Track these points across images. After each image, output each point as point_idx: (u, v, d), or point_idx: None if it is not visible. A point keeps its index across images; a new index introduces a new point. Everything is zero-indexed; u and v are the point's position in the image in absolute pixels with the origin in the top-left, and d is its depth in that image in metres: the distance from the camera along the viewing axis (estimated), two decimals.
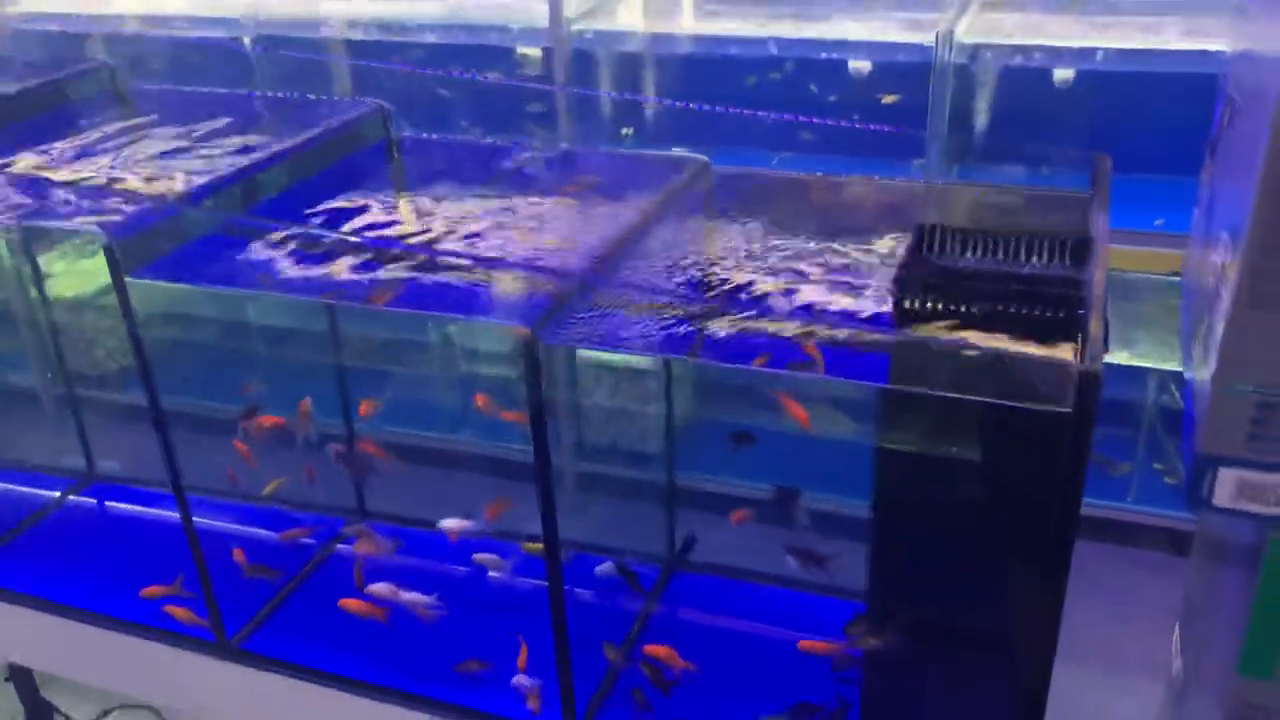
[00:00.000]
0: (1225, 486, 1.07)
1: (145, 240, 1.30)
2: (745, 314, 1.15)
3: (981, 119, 3.10)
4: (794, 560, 1.37)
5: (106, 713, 2.28)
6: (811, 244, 1.32)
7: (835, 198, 1.45)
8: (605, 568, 1.49)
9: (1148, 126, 2.40)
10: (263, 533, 1.70)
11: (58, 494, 1.88)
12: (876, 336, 1.08)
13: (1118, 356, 2.87)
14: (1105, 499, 2.98)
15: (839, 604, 1.44)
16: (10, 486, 1.89)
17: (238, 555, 1.53)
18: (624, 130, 3.02)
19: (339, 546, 1.69)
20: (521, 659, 1.42)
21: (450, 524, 1.49)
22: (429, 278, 1.25)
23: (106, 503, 1.88)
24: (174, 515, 1.44)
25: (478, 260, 1.21)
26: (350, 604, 1.50)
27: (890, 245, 1.27)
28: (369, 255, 1.29)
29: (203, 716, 2.09)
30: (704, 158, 1.46)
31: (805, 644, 1.35)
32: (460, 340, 3.24)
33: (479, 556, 1.50)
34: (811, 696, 1.35)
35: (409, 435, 2.93)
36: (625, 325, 1.17)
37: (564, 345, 1.10)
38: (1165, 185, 1.89)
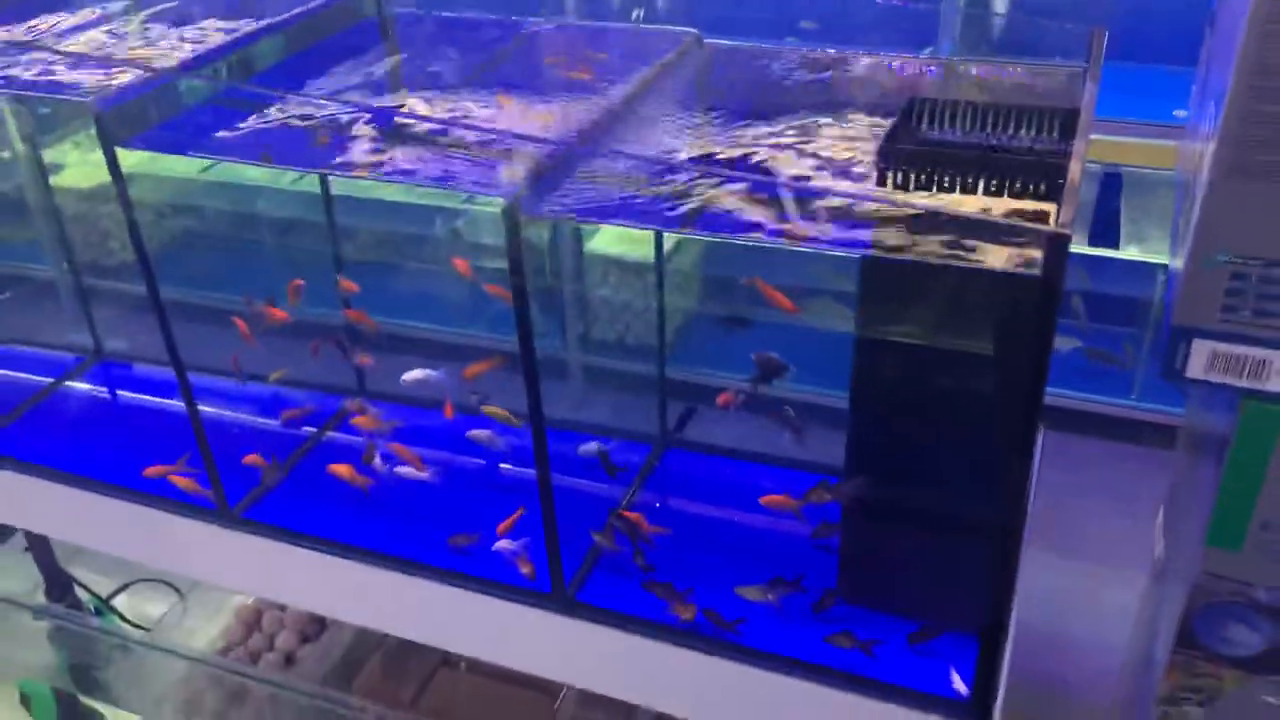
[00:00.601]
0: (1198, 358, 1.08)
1: (136, 110, 1.31)
2: (736, 187, 1.15)
3: (999, 5, 3.03)
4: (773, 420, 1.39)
5: (125, 586, 2.36)
6: (809, 120, 1.31)
7: (836, 72, 1.43)
8: (588, 447, 1.52)
9: (1177, 15, 2.34)
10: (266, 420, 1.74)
11: (67, 371, 1.92)
12: (851, 205, 1.08)
13: (1128, 252, 2.85)
14: (1112, 395, 2.99)
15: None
16: (18, 374, 1.93)
17: (253, 459, 1.57)
18: (633, 14, 2.98)
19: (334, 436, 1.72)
20: (506, 525, 1.46)
21: (412, 375, 1.53)
22: (415, 152, 1.25)
23: (115, 380, 1.93)
24: (178, 398, 1.48)
25: (452, 125, 1.21)
26: (338, 469, 1.54)
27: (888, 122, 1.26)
28: (356, 132, 1.30)
29: (208, 582, 2.18)
30: (695, 30, 1.44)
31: (766, 499, 1.38)
32: (468, 234, 3.26)
33: (472, 433, 1.53)
34: (793, 567, 1.38)
35: (417, 327, 2.98)
36: (611, 199, 1.17)
37: (544, 217, 1.10)
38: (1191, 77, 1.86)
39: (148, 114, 1.33)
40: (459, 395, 1.55)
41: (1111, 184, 3.02)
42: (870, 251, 1.02)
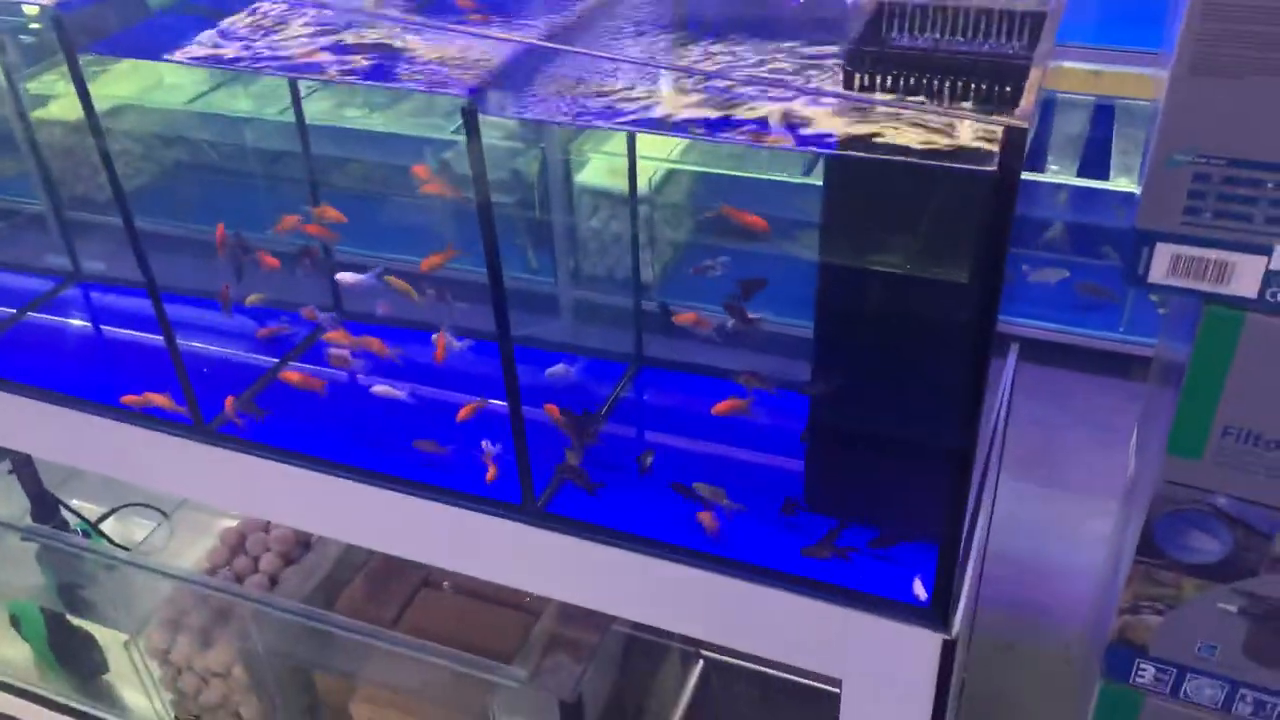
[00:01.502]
0: (1160, 262, 1.08)
1: (98, 17, 1.29)
2: (707, 93, 1.14)
3: None
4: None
5: (112, 511, 2.38)
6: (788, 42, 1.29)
7: None
8: (556, 369, 1.52)
9: None
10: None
11: (45, 293, 1.92)
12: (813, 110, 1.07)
13: (1118, 183, 2.83)
14: (1098, 329, 2.99)
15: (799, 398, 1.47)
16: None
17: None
18: None
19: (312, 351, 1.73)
20: (466, 412, 1.47)
21: (345, 277, 1.54)
22: (382, 58, 1.24)
23: (93, 302, 1.93)
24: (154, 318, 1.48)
25: (426, 26, 1.20)
26: (289, 375, 1.56)
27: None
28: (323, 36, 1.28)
29: (187, 497, 2.20)
30: None
31: (716, 408, 1.39)
32: (456, 164, 3.24)
33: (436, 337, 1.53)
34: (762, 477, 1.40)
35: (402, 259, 2.97)
36: (575, 103, 1.16)
37: (504, 117, 1.09)
38: None
39: (110, 21, 1.31)
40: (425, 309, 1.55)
41: (1103, 116, 3.00)
42: (832, 151, 1.01)
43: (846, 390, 1.27)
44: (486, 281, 1.26)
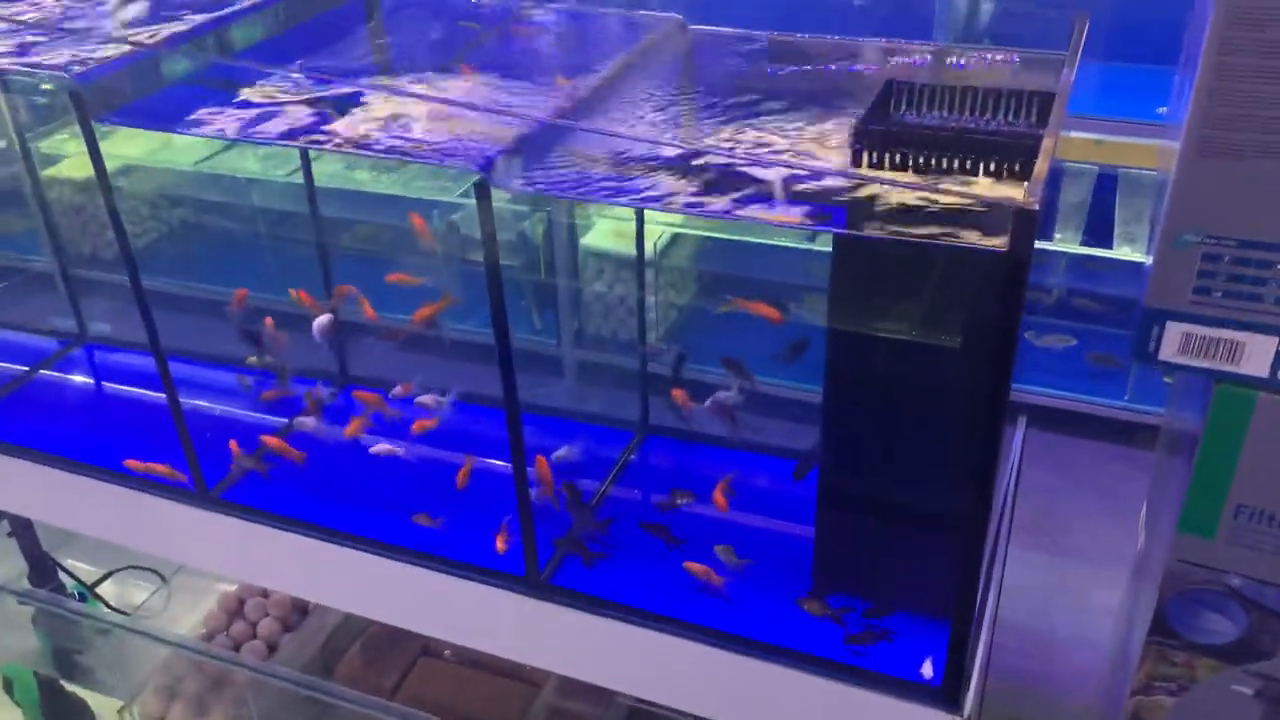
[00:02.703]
0: (1171, 341, 1.07)
1: (114, 86, 1.31)
2: (717, 169, 1.14)
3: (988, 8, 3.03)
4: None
5: (110, 574, 2.36)
6: (793, 110, 1.30)
7: (825, 59, 1.42)
8: (561, 452, 1.51)
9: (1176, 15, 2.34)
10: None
11: (50, 355, 1.92)
12: (824, 186, 1.07)
13: (1121, 252, 2.84)
14: (1103, 397, 2.99)
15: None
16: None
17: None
18: None
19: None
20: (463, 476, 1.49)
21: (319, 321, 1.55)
22: (396, 133, 1.25)
23: (99, 364, 1.93)
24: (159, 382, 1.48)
25: (441, 100, 1.21)
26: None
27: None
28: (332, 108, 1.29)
29: (187, 563, 2.18)
30: (678, 15, 1.44)
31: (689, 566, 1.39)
32: (465, 227, 3.26)
33: (420, 399, 1.53)
34: (765, 550, 1.39)
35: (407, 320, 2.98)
36: (586, 178, 1.17)
37: (515, 190, 1.10)
38: None
39: (126, 90, 1.33)
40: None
41: (1106, 185, 3.02)
42: (841, 230, 1.01)
43: (856, 463, 1.26)
44: (490, 343, 1.26)
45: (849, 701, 1.23)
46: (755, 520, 1.48)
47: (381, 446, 1.55)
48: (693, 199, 1.07)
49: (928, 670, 1.22)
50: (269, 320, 1.64)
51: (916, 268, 1.10)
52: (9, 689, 2.24)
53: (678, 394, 1.44)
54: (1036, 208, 0.90)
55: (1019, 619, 2.51)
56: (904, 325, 1.14)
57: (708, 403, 1.41)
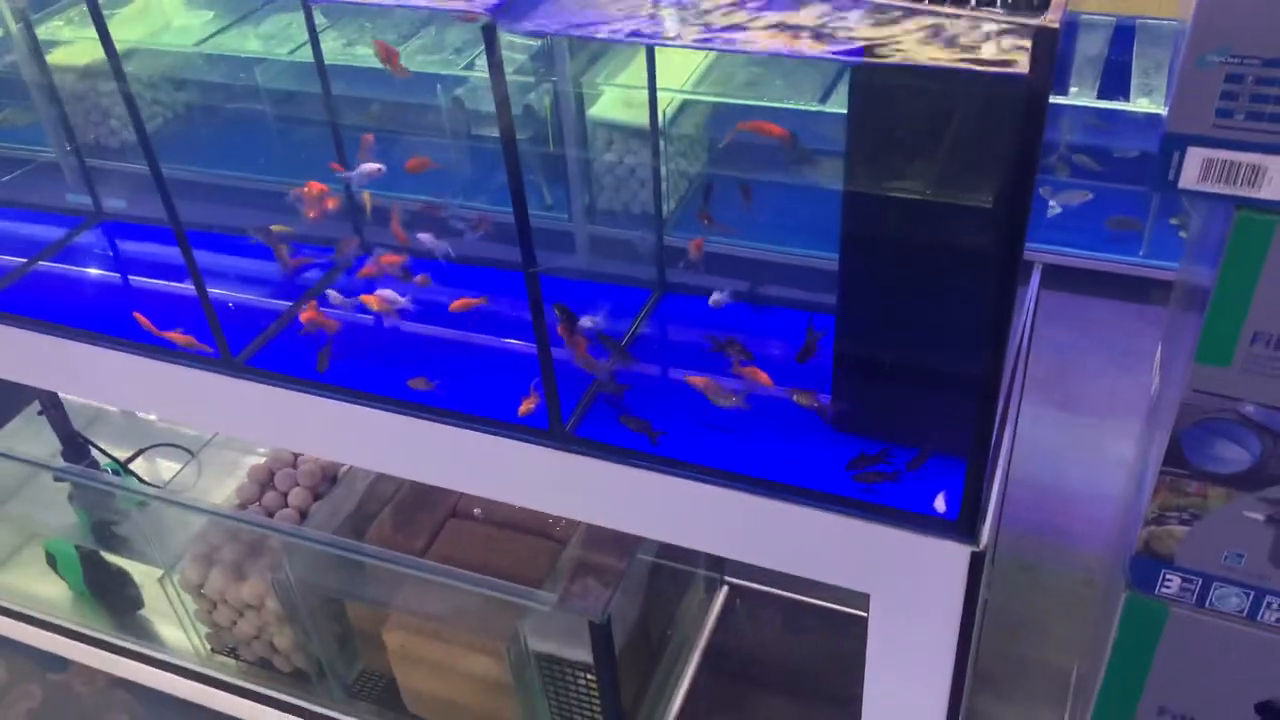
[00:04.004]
0: (1192, 167, 1.06)
1: None
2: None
3: None
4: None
5: (140, 451, 2.41)
6: None
7: None
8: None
9: None
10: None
11: (67, 231, 1.93)
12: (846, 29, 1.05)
13: (1139, 104, 2.79)
14: (1118, 253, 2.98)
15: (818, 317, 1.47)
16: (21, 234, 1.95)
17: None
18: None
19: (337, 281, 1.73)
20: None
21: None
22: None
23: (116, 239, 1.94)
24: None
25: None
26: (304, 315, 1.57)
27: None
28: None
29: (215, 430, 2.22)
30: None
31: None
32: (469, 101, 3.21)
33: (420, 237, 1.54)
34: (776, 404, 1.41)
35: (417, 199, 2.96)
36: (596, 18, 1.15)
37: (524, 32, 1.08)
38: None
39: None
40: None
41: (1123, 36, 2.95)
42: (860, 59, 1.00)
43: (872, 311, 1.27)
44: (506, 217, 1.26)
45: (868, 536, 1.27)
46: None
47: (385, 292, 1.56)
48: (708, 35, 1.05)
49: (940, 505, 1.25)
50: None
51: (933, 106, 1.09)
52: (52, 563, 2.32)
53: (695, 244, 1.44)
54: (1057, 26, 0.88)
55: (1033, 472, 2.55)
56: (922, 164, 1.13)
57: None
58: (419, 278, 1.62)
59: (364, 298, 1.60)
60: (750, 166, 1.69)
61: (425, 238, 1.53)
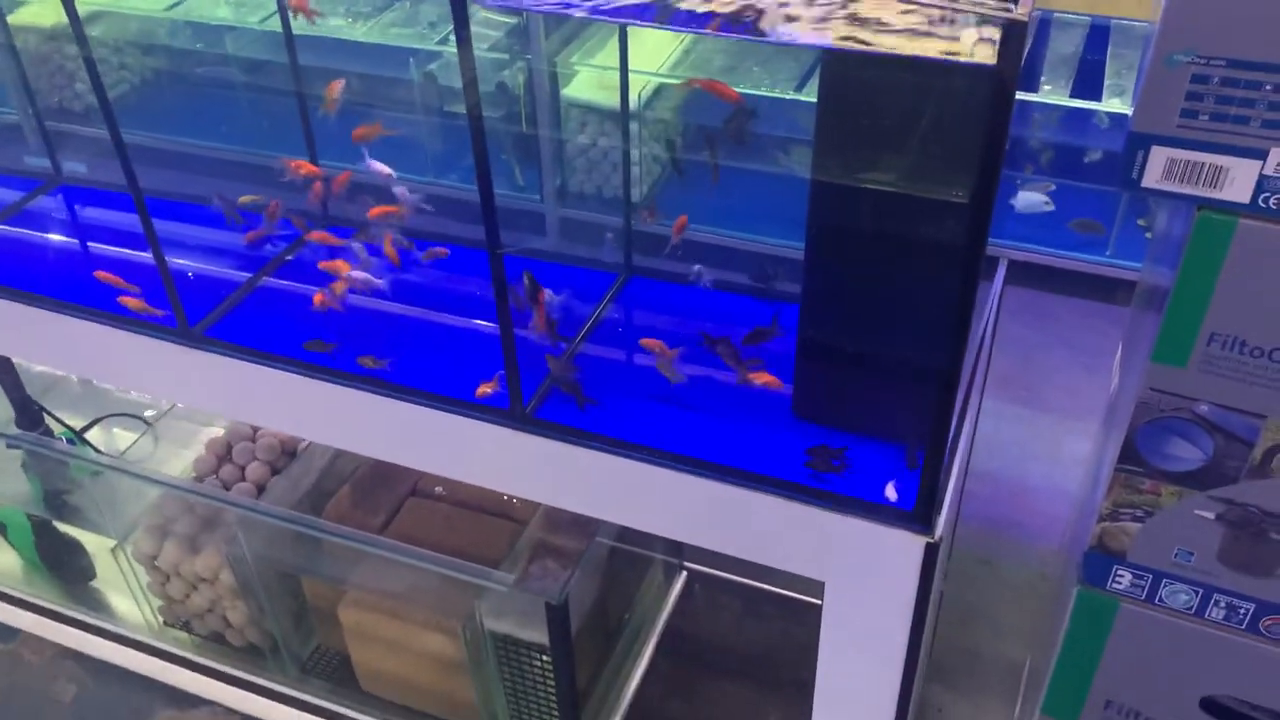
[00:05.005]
0: (1155, 166, 1.07)
1: None
2: None
3: None
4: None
5: (96, 420, 2.37)
6: None
7: None
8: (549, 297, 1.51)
9: None
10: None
11: (23, 195, 1.89)
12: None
13: (1110, 105, 2.81)
14: (1085, 253, 3.00)
15: (781, 306, 1.47)
16: None
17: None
18: None
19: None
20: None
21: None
22: None
23: (74, 204, 1.90)
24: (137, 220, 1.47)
25: None
26: (317, 297, 1.56)
27: None
28: None
29: (171, 400, 2.19)
30: None
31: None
32: (442, 77, 3.18)
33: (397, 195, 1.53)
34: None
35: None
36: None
37: (499, 7, 1.07)
38: None
39: None
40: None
41: (1097, 36, 2.97)
42: (831, 46, 0.99)
43: (835, 299, 1.27)
44: (470, 195, 1.25)
45: (824, 523, 1.27)
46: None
47: (354, 271, 1.55)
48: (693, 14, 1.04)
49: (891, 493, 1.26)
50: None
51: (903, 97, 1.09)
52: (3, 532, 2.28)
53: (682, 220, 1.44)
54: (1027, 19, 0.88)
55: (992, 467, 2.58)
56: (890, 155, 1.13)
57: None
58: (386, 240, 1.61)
59: (323, 264, 1.59)
60: (724, 155, 1.68)
61: (377, 167, 1.52)
